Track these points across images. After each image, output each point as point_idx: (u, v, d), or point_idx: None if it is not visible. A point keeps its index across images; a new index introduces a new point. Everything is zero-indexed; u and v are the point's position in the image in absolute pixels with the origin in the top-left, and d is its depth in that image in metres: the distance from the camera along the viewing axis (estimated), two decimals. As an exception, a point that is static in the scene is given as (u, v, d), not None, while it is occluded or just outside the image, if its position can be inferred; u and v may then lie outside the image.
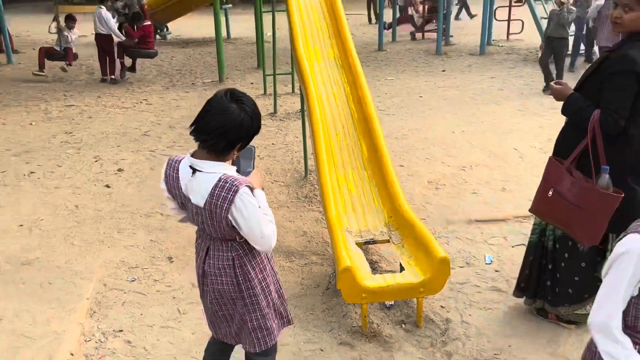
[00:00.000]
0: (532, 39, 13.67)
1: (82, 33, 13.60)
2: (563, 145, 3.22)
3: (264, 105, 8.66)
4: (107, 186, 5.80)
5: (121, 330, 3.55)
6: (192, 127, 2.14)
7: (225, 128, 2.08)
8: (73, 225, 4.96)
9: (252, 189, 2.20)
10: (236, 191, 2.09)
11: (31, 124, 8.14)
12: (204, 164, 2.14)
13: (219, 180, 2.11)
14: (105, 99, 9.52)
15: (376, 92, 9.18)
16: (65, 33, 10.78)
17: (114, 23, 10.82)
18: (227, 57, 12.13)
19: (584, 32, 11.37)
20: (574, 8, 9.32)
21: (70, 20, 10.88)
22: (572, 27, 11.00)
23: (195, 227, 2.38)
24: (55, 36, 11.08)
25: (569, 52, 10.64)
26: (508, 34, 14.70)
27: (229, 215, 2.12)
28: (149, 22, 11.15)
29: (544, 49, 9.37)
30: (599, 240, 3.04)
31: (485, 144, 6.81)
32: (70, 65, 11.22)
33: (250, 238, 2.20)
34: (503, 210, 5.05)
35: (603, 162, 2.95)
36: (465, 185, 5.65)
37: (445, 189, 5.56)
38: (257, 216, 2.15)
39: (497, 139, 7.02)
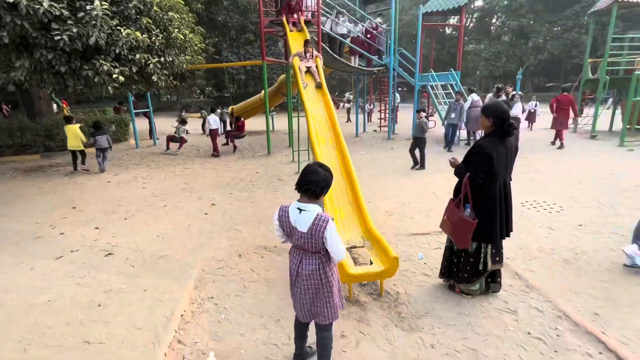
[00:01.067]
0: (440, 131, 13.75)
1: (191, 129, 13.76)
2: (456, 191, 3.30)
3: (291, 167, 8.66)
4: (206, 213, 5.77)
5: (212, 297, 3.47)
6: (297, 184, 2.13)
7: (318, 181, 2.10)
8: (186, 236, 4.91)
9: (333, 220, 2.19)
10: (327, 222, 2.10)
11: (165, 178, 8.17)
12: (306, 206, 2.12)
13: (317, 215, 2.10)
14: (206, 164, 9.57)
15: (355, 160, 9.19)
16: (181, 128, 10.97)
17: (217, 122, 10.76)
18: (272, 140, 12.24)
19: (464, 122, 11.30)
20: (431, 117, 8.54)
21: (183, 122, 11.09)
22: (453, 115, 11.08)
23: (289, 245, 2.33)
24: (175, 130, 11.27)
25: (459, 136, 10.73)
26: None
27: (323, 236, 2.10)
28: (242, 119, 11.44)
29: (411, 143, 8.33)
30: (469, 245, 3.10)
31: (417, 190, 6.77)
32: (180, 148, 11.20)
33: (331, 250, 2.15)
34: (428, 227, 4.99)
35: (469, 202, 3.06)
36: (406, 213, 5.58)
37: (395, 216, 5.49)
38: (337, 238, 2.15)
39: (423, 187, 6.99)
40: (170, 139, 11.03)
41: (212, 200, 6.38)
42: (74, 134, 8.26)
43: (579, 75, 15.70)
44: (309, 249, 2.18)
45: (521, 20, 34.47)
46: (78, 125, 8.49)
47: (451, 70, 13.15)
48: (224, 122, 14.26)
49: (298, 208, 2.15)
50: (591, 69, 13.49)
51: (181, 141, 11.09)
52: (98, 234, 4.97)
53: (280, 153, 10.83)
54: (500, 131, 3.02)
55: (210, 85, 39.74)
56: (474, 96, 11.14)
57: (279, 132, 15.94)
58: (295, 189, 2.16)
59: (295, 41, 8.26)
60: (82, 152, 8.51)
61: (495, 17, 40.40)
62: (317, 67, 7.00)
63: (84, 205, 6.20)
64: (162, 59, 6.76)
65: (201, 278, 3.79)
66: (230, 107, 15.47)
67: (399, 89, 50.33)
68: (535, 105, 14.19)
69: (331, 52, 10.06)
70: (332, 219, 2.17)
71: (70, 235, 4.94)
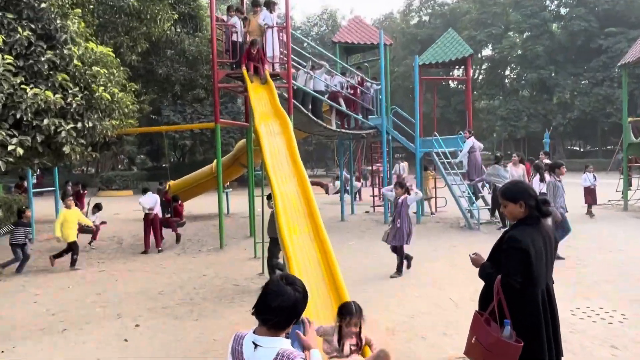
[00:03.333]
0: (454, 211, 14.17)
1: (116, 211, 13.62)
2: (483, 300, 3.26)
3: (253, 266, 8.52)
4: (126, 340, 5.40)
5: None
6: (254, 309, 1.99)
7: (283, 308, 1.95)
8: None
9: (308, 353, 2.07)
10: None
11: (68, 287, 7.78)
12: (264, 341, 1.96)
13: (277, 354, 1.92)
14: (131, 264, 9.27)
15: (341, 254, 9.15)
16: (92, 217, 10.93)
17: (153, 202, 10.73)
18: (226, 228, 12.18)
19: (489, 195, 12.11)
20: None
21: (96, 207, 11.10)
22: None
23: None
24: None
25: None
26: (436, 207, 15.32)
27: None
28: (180, 201, 11.48)
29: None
30: None
31: (428, 294, 6.69)
32: (93, 242, 11.05)
33: None
34: (447, 351, 4.82)
35: (507, 317, 3.00)
36: (415, 330, 5.42)
37: (400, 335, 5.32)
38: None
39: (436, 291, 6.92)
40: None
41: (137, 319, 6.07)
42: None
43: (620, 138, 17.07)
44: None
45: (540, 72, 38.24)
46: None
47: (461, 134, 14.03)
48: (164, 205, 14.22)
49: (253, 342, 1.99)
50: (633, 130, 14.74)
51: (94, 232, 10.87)
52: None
53: (237, 246, 10.72)
54: (536, 215, 3.11)
55: (144, 152, 40.46)
56: (473, 140, 12.65)
57: (236, 216, 15.94)
58: (252, 313, 2.01)
59: (259, 97, 8.75)
60: None
61: (509, 68, 44.81)
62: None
63: (-60, 331, 5.72)
64: (80, 125, 6.92)
65: None
66: (167, 183, 15.58)
67: (396, 155, 52.65)
68: (594, 179, 13.72)
69: (305, 112, 10.64)
70: (304, 357, 1.95)
71: None
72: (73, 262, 8.90)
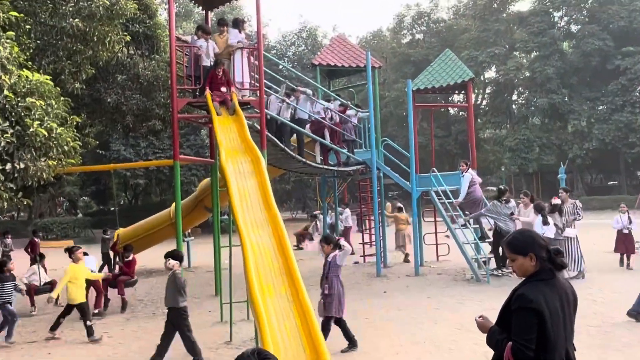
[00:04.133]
0: (458, 260, 14.17)
1: (53, 266, 13.29)
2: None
3: (219, 333, 8.32)
4: None
5: None
6: None
7: None
8: None
9: None
10: None
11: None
12: None
13: None
14: (66, 334, 8.95)
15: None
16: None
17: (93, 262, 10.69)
18: (188, 286, 11.92)
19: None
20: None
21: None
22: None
23: None
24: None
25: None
26: (437, 256, 15.33)
27: None
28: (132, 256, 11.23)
29: None
30: None
31: (429, 365, 6.58)
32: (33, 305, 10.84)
33: None
34: None
35: None
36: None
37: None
38: None
39: (440, 357, 6.83)
40: (34, 291, 10.71)
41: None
42: None
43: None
44: None
45: (552, 96, 39.44)
46: None
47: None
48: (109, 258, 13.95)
49: None
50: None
51: (30, 293, 10.62)
52: None
53: (200, 307, 10.51)
54: (549, 269, 3.13)
55: (89, 194, 40.03)
56: (471, 173, 12.92)
57: (199, 270, 15.67)
58: None
59: (226, 129, 8.80)
60: None
61: (516, 92, 46.23)
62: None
63: None
64: (9, 166, 6.82)
65: None
66: (114, 232, 15.34)
67: (389, 193, 53.01)
68: (630, 221, 13.22)
69: (282, 147, 10.72)
70: None
71: None
72: (90, 332, 8.38)
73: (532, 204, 11.88)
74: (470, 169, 13.25)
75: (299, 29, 46.69)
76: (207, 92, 9.56)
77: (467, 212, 13.09)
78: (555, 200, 11.88)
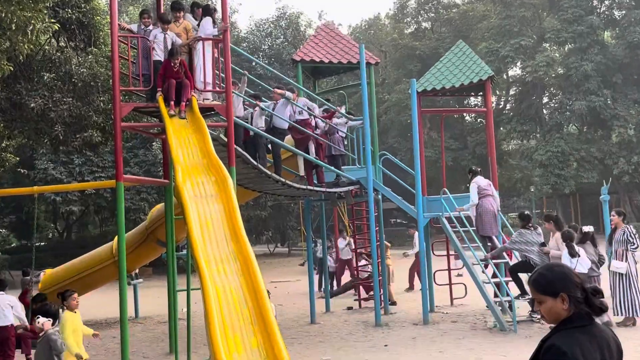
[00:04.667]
0: (478, 303, 14.20)
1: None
2: None
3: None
4: None
5: None
6: None
7: None
8: None
9: None
10: None
11: None
12: None
13: None
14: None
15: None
16: None
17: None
18: (133, 342, 11.80)
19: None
20: None
21: None
22: None
23: None
24: None
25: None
26: (451, 298, 15.34)
27: None
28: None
29: None
30: None
31: None
32: None
33: None
34: None
35: None
36: None
37: None
38: None
39: None
40: None
41: None
42: None
43: None
44: None
45: (591, 99, 39.93)
46: None
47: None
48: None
49: None
50: None
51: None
52: None
53: (149, 369, 10.46)
54: (585, 313, 3.16)
55: (6, 226, 39.46)
56: (479, 181, 12.96)
57: (149, 320, 15.51)
58: None
59: (184, 141, 8.78)
60: None
61: (547, 94, 46.81)
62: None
63: None
64: None
65: None
66: (38, 272, 15.18)
67: (393, 221, 52.54)
68: None
69: (254, 164, 10.72)
70: None
71: None
72: None
73: (559, 231, 11.80)
74: (479, 176, 13.18)
75: (277, 16, 46.83)
76: (159, 93, 9.56)
77: (483, 235, 13.00)
78: (587, 228, 11.96)
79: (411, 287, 18.53)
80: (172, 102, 9.43)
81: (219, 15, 11.13)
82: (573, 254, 10.93)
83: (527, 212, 13.58)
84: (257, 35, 46.12)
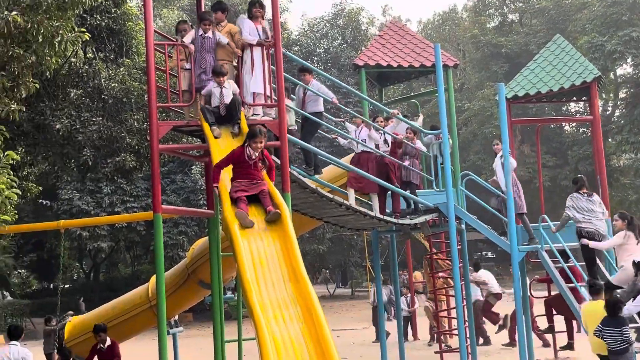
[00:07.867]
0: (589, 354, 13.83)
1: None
2: None
3: None
4: None
5: None
6: None
7: None
8: None
9: None
10: None
11: None
12: None
13: None
14: None
15: None
16: None
17: None
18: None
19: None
20: None
21: None
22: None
23: None
24: None
25: None
26: (555, 349, 14.99)
27: None
28: None
29: None
30: None
31: None
32: None
33: None
34: None
35: None
36: None
37: None
38: None
39: None
40: None
41: None
42: None
43: None
44: None
45: None
46: None
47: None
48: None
49: None
50: None
51: None
52: None
53: None
54: None
55: (26, 266, 40.37)
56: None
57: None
58: None
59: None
60: None
61: (666, 96, 45.58)
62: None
63: None
64: None
65: None
66: (64, 318, 15.49)
67: (477, 255, 51.74)
68: None
69: (313, 188, 10.75)
70: None
71: None
72: None
73: (630, 231, 11.66)
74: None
75: (333, 14, 46.88)
76: (199, 110, 9.72)
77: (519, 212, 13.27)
78: None
79: (512, 343, 17.84)
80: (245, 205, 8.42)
81: (268, 15, 11.18)
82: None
83: (580, 175, 13.54)
84: (310, 37, 46.12)
